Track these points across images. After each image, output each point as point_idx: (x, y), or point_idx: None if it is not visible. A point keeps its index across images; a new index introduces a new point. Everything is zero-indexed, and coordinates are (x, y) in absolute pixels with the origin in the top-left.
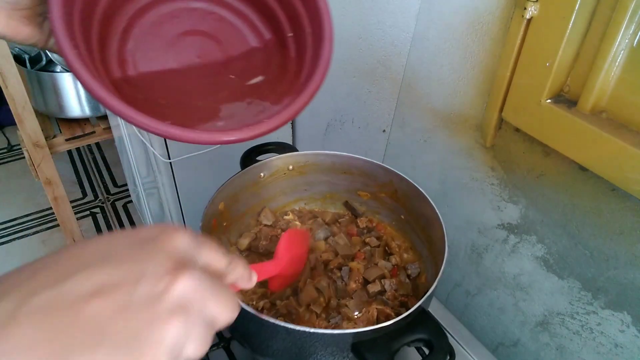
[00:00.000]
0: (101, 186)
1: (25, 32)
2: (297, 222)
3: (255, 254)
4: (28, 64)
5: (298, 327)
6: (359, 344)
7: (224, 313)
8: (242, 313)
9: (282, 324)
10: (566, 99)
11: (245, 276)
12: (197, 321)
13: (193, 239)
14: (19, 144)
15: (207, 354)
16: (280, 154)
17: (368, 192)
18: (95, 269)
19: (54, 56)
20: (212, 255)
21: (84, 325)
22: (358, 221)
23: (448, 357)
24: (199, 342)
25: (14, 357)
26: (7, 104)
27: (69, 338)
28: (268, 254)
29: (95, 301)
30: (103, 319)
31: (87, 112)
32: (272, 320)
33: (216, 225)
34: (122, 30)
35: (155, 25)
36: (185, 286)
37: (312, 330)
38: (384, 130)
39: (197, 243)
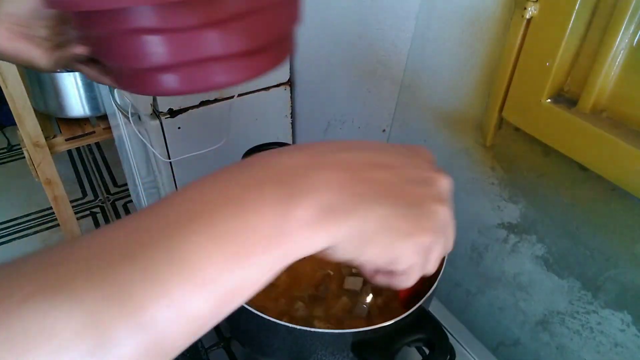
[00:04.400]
0: (101, 186)
1: (26, 54)
2: None
3: None
4: None
5: (298, 327)
6: (359, 343)
7: (451, 242)
8: (242, 312)
9: (283, 323)
10: (566, 99)
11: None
12: (448, 230)
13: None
14: (19, 144)
15: (207, 354)
16: None
17: None
18: (365, 150)
19: None
20: None
21: (371, 184)
22: None
23: (448, 357)
24: (440, 251)
25: (315, 190)
26: (7, 104)
27: (359, 189)
28: None
29: (377, 170)
30: (388, 184)
31: (87, 111)
32: (272, 319)
33: None
34: None
35: None
36: (445, 184)
37: (312, 329)
38: (383, 130)
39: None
